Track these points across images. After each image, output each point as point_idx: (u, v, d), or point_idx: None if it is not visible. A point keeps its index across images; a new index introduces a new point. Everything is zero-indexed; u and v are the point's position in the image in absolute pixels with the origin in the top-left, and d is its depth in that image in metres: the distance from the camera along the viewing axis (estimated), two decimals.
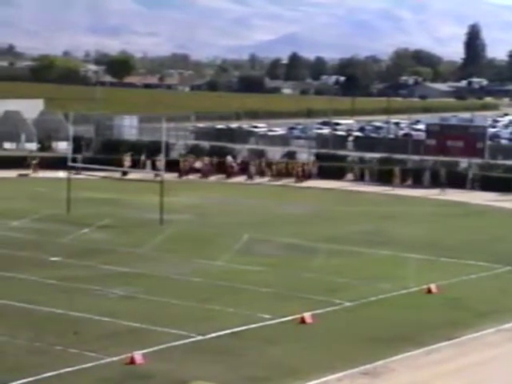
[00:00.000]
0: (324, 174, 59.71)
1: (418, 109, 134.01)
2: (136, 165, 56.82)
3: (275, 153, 65.67)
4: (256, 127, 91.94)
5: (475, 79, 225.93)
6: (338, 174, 59.75)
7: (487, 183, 56.00)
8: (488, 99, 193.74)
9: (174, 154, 63.13)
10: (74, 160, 48.85)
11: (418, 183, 57.90)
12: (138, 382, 20.30)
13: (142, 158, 59.10)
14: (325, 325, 25.17)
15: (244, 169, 60.35)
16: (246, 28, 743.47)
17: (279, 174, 59.70)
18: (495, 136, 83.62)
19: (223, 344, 23.13)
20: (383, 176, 58.58)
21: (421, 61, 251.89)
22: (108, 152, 61.82)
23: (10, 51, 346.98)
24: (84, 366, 20.92)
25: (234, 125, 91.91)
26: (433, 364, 22.17)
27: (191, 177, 59.60)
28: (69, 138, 48.48)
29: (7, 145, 71.16)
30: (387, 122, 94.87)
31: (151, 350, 22.19)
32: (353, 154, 65.70)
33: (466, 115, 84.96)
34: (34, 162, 58.92)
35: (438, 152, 59.46)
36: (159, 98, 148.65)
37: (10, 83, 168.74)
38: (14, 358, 21.36)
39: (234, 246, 36.15)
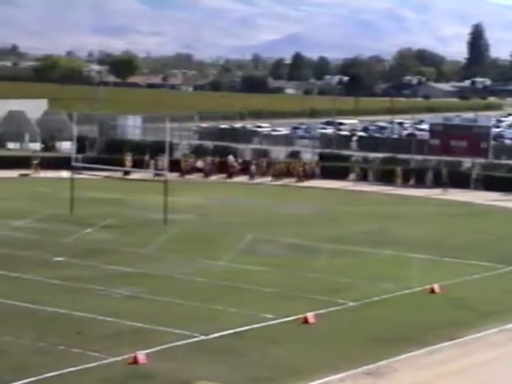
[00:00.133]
0: (327, 173, 59.70)
1: (421, 109, 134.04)
2: (137, 165, 56.83)
3: (279, 153, 65.69)
4: (260, 127, 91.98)
5: (479, 79, 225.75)
6: (342, 174, 59.73)
7: (491, 183, 55.99)
8: (491, 99, 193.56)
9: (177, 154, 63.19)
10: (78, 160, 48.88)
11: (421, 183, 57.91)
12: (141, 382, 20.32)
13: (146, 158, 59.14)
14: (328, 325, 25.18)
15: (245, 169, 60.39)
16: (249, 28, 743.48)
17: (280, 174, 59.73)
18: (499, 136, 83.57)
19: (226, 344, 23.15)
20: (386, 176, 58.58)
21: (424, 61, 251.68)
22: (112, 152, 61.87)
23: (13, 51, 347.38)
24: (87, 365, 20.95)
25: (237, 125, 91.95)
26: (435, 364, 22.17)
27: (192, 176, 59.65)
28: (72, 137, 48.54)
29: (11, 145, 71.26)
30: (391, 122, 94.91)
31: (154, 349, 22.22)
32: (356, 154, 65.70)
33: (470, 115, 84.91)
34: (35, 161, 59.00)
35: (442, 152, 59.45)
36: (163, 97, 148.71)
37: (13, 83, 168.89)
38: (18, 358, 21.39)
39: (237, 246, 36.18)
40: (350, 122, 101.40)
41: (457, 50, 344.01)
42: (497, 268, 33.57)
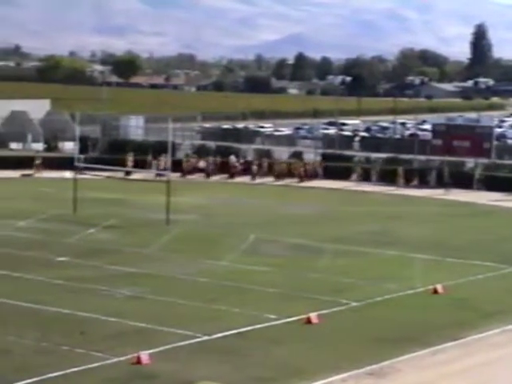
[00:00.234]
0: (330, 174, 59.70)
1: (424, 109, 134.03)
2: (139, 165, 56.86)
3: (281, 153, 65.69)
4: (262, 127, 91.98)
5: (481, 79, 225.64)
6: (345, 175, 59.71)
7: (493, 183, 55.96)
8: (494, 99, 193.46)
9: (180, 155, 63.23)
10: (80, 160, 48.90)
11: (423, 183, 57.91)
12: (144, 382, 20.33)
13: (149, 158, 59.17)
14: (331, 325, 25.18)
15: (247, 169, 60.41)
16: (251, 28, 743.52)
17: (282, 174, 59.75)
18: (502, 136, 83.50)
19: (229, 344, 23.15)
20: (388, 176, 58.56)
21: (427, 61, 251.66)
22: (114, 152, 61.91)
23: (16, 52, 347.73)
24: (90, 365, 20.96)
25: (240, 125, 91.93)
26: (438, 364, 22.17)
27: (194, 176, 59.68)
28: (75, 138, 48.57)
29: (14, 145, 71.26)
30: (393, 122, 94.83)
31: (157, 350, 22.23)
32: (359, 154, 65.69)
33: (473, 115, 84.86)
34: (38, 162, 59.05)
35: (445, 152, 59.42)
36: (165, 98, 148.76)
37: (16, 83, 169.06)
38: (21, 358, 21.41)
39: (240, 246, 36.18)
40: (353, 122, 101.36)
41: (459, 50, 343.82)
42: (500, 268, 33.55)
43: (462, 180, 56.47)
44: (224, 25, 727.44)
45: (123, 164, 56.00)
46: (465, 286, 30.53)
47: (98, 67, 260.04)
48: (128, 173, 54.66)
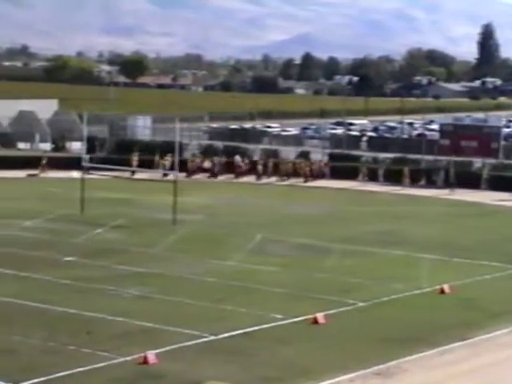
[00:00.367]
0: (337, 174, 59.65)
1: (431, 109, 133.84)
2: (147, 165, 56.91)
3: (289, 153, 65.68)
4: (269, 127, 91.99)
5: (489, 79, 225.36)
6: (352, 174, 59.63)
7: (501, 183, 55.84)
8: (502, 99, 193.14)
9: (187, 155, 63.27)
10: (87, 160, 48.96)
11: (430, 183, 57.85)
12: (150, 382, 20.33)
13: (156, 158, 59.23)
14: (337, 325, 25.15)
15: (252, 169, 60.41)
16: (259, 28, 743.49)
17: (287, 174, 59.75)
18: (509, 136, 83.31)
19: (236, 344, 23.14)
20: (395, 176, 58.49)
21: (434, 61, 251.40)
22: (122, 152, 61.96)
23: (24, 52, 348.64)
24: (97, 365, 20.96)
25: (247, 125, 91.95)
26: (446, 364, 22.13)
27: (199, 176, 59.72)
28: (83, 138, 48.62)
29: (21, 145, 71.39)
30: (401, 122, 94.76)
31: (164, 349, 22.23)
32: (366, 154, 65.63)
33: (480, 115, 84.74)
34: (43, 162, 59.16)
35: (452, 152, 59.33)
36: (173, 98, 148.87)
37: (24, 83, 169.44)
38: (28, 358, 21.43)
39: (246, 246, 36.18)
40: (360, 122, 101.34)
41: (467, 50, 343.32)
42: (507, 268, 33.47)
43: (470, 180, 56.38)
44: (232, 25, 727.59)
45: (129, 164, 56.11)
46: (472, 286, 30.47)
47: (106, 67, 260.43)
48: (133, 172, 54.73)
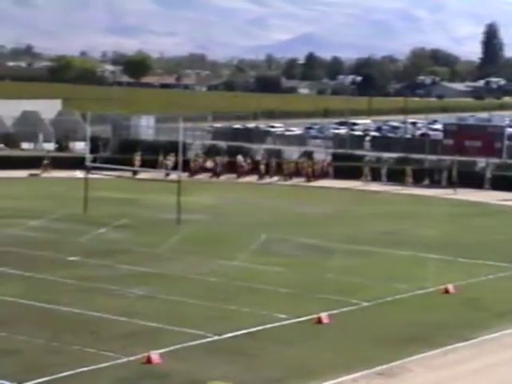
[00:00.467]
0: (341, 173, 59.62)
1: (435, 109, 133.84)
2: (151, 165, 56.95)
3: (292, 153, 65.66)
4: (273, 127, 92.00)
5: (493, 79, 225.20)
6: (355, 174, 59.58)
7: (505, 183, 55.79)
8: (506, 99, 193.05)
9: (191, 154, 63.28)
10: (91, 160, 49.03)
11: (434, 183, 57.82)
12: (154, 382, 20.35)
13: (160, 158, 59.28)
14: (341, 325, 25.15)
15: (254, 168, 60.43)
16: (262, 28, 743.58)
17: (289, 174, 59.76)
18: None
19: (240, 344, 23.15)
20: (398, 176, 58.46)
21: (438, 60, 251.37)
22: (125, 152, 62.00)
23: (27, 52, 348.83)
24: (101, 365, 20.98)
25: (251, 125, 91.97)
26: (450, 365, 22.11)
27: (201, 176, 59.74)
28: (86, 138, 48.68)
29: (25, 145, 71.47)
30: (404, 122, 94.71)
31: (168, 349, 22.23)
32: (370, 154, 65.60)
33: (484, 115, 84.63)
34: (45, 162, 59.21)
35: (456, 152, 59.30)
36: (176, 98, 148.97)
37: (27, 83, 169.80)
38: (32, 358, 21.45)
39: (250, 246, 36.18)
40: (364, 121, 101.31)
41: (471, 50, 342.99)
42: (511, 268, 33.42)
43: (473, 180, 56.33)
44: (236, 25, 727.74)
45: (132, 164, 56.18)
46: (476, 286, 30.45)
47: (109, 67, 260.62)
48: (135, 172, 54.77)
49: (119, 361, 21.35)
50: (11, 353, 21.72)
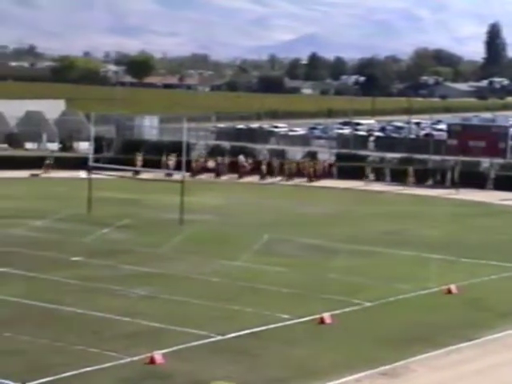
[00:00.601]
0: (344, 174, 59.59)
1: (438, 109, 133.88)
2: (152, 165, 56.95)
3: (296, 153, 65.67)
4: (276, 127, 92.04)
5: (496, 79, 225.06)
6: (359, 175, 59.53)
7: (509, 183, 55.73)
8: (509, 99, 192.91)
9: (194, 155, 63.30)
10: (95, 160, 49.07)
11: (438, 183, 57.79)
12: (157, 382, 20.35)
13: (163, 158, 59.30)
14: (344, 325, 25.15)
15: (256, 168, 60.44)
16: (265, 28, 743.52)
17: (290, 174, 59.76)
18: None
19: (243, 344, 23.15)
20: (401, 176, 58.42)
21: (441, 60, 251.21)
22: (129, 152, 62.02)
23: (31, 52, 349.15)
24: (104, 365, 20.99)
25: (254, 125, 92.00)
26: (453, 365, 22.10)
27: (203, 177, 59.74)
28: (90, 138, 48.71)
29: (29, 145, 71.53)
30: (408, 122, 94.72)
31: (171, 349, 22.24)
32: (374, 154, 65.58)
33: (488, 115, 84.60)
34: (47, 162, 59.23)
35: (460, 152, 59.28)
36: (179, 98, 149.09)
37: (31, 84, 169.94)
38: (35, 358, 21.46)
39: (253, 246, 36.18)
40: (367, 122, 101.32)
41: (474, 50, 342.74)
42: None
43: (477, 180, 56.29)
44: (238, 25, 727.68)
45: (133, 164, 56.21)
46: (479, 287, 30.43)
47: (112, 67, 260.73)
48: (137, 172, 54.80)
49: (122, 361, 21.36)
50: (14, 353, 21.74)
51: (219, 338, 23.50)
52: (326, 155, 64.63)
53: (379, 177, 59.08)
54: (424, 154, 62.16)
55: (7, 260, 32.10)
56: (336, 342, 23.65)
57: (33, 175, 57.96)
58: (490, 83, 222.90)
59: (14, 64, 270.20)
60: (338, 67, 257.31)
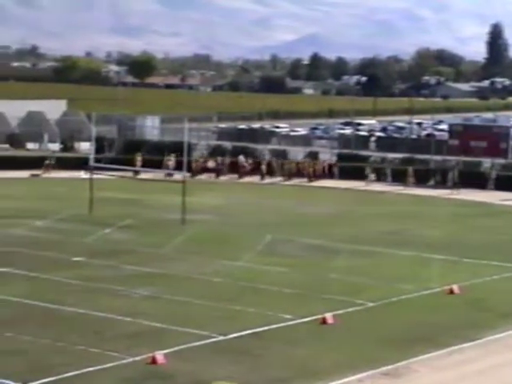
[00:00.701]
0: (346, 174, 59.57)
1: (440, 109, 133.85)
2: (153, 165, 56.95)
3: (297, 153, 65.66)
4: (278, 127, 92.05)
5: (498, 79, 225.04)
6: (361, 175, 59.48)
7: (510, 183, 55.69)
8: (511, 99, 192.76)
9: (196, 155, 63.30)
10: (96, 160, 49.07)
11: (439, 183, 57.76)
12: (159, 382, 20.35)
13: (165, 158, 59.28)
14: (346, 325, 25.13)
15: (256, 168, 60.43)
16: (267, 28, 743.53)
17: (290, 174, 59.76)
18: None
19: (244, 344, 23.14)
20: (402, 176, 58.40)
21: (443, 61, 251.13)
22: (130, 152, 62.03)
23: (32, 52, 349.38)
24: (106, 365, 20.99)
25: (255, 125, 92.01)
26: (455, 365, 22.09)
27: (203, 177, 59.75)
28: (91, 138, 48.72)
29: (30, 145, 71.56)
30: (409, 123, 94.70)
31: (173, 350, 22.24)
32: (375, 155, 65.57)
33: (489, 115, 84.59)
34: (47, 162, 59.26)
35: (461, 152, 59.27)
36: (181, 98, 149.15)
37: (32, 84, 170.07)
38: (37, 358, 21.46)
39: (255, 247, 36.17)
40: (369, 122, 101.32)
41: (475, 50, 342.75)
42: None
43: (478, 180, 56.26)
44: (240, 25, 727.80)
45: (133, 164, 56.23)
46: (481, 287, 30.41)
47: (114, 67, 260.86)
48: (136, 172, 54.80)
49: (124, 361, 21.36)
50: (16, 353, 21.74)
51: (221, 338, 23.49)
52: (327, 155, 64.63)
53: (380, 177, 59.04)
54: (425, 154, 62.15)
55: (9, 260, 32.11)
56: (338, 342, 23.64)
57: (33, 175, 57.96)
58: (492, 83, 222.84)
59: (15, 64, 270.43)
60: (339, 67, 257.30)
